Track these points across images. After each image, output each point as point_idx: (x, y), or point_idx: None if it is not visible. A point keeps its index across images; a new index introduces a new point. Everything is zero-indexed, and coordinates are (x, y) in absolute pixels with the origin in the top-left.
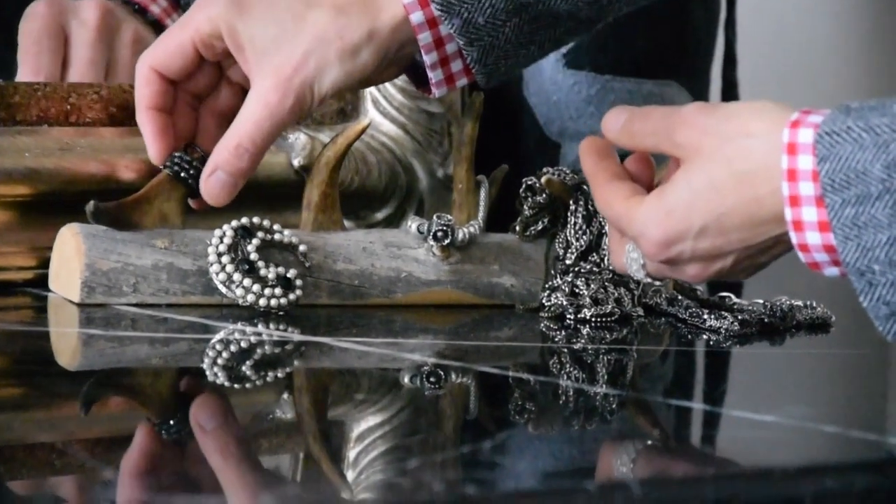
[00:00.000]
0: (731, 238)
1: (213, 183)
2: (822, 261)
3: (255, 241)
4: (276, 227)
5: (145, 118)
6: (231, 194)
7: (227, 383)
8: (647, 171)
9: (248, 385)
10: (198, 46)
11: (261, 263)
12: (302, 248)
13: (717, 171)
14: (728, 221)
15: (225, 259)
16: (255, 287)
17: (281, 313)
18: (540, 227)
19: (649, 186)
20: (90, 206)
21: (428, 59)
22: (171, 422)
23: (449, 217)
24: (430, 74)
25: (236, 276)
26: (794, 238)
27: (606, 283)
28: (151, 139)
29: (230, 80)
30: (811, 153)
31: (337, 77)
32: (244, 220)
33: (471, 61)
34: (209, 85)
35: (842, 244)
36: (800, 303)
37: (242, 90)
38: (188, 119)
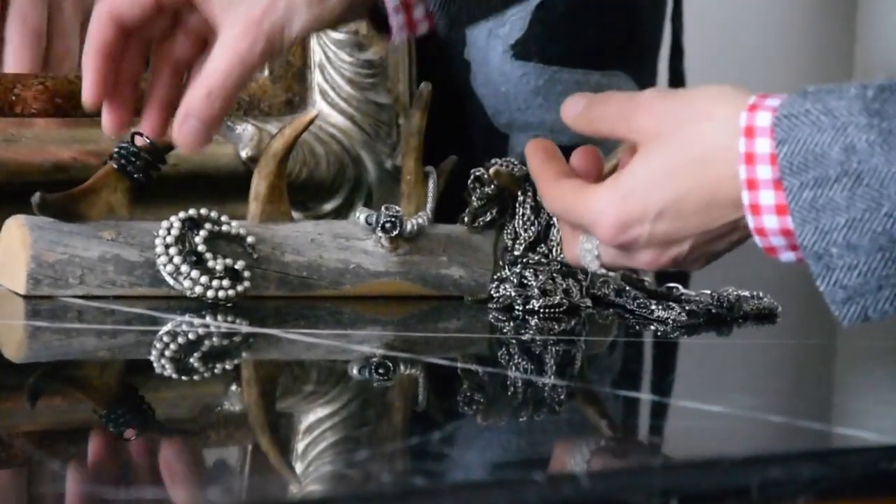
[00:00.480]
0: (689, 223)
1: (186, 131)
2: (778, 245)
3: (202, 233)
4: (223, 218)
5: (91, 63)
6: (204, 141)
7: (174, 375)
8: (595, 165)
9: (195, 377)
10: None
11: (208, 255)
12: (250, 239)
13: (675, 155)
14: (685, 206)
15: (172, 250)
16: (203, 279)
17: (229, 305)
18: (488, 218)
19: (597, 181)
20: (36, 197)
21: (391, 3)
22: (118, 414)
23: (397, 208)
24: (392, 19)
25: (184, 268)
26: (751, 222)
27: (555, 275)
28: (90, 84)
29: (186, 28)
30: (769, 136)
31: (306, 20)
32: (191, 211)
33: (433, 8)
34: (164, 32)
35: (799, 227)
36: (747, 293)
37: (198, 38)
38: (135, 65)
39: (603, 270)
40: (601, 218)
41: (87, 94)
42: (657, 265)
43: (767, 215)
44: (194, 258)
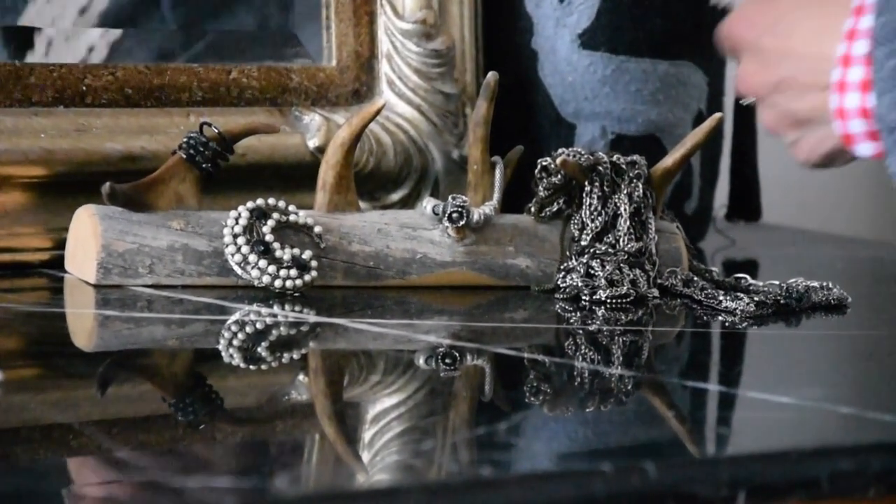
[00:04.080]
0: (791, 48)
1: None
2: (856, 133)
3: (270, 223)
4: (291, 208)
5: None
6: None
7: (242, 364)
8: None
9: (263, 366)
10: None
11: (276, 245)
12: (317, 229)
13: None
14: (795, 30)
15: (240, 240)
16: (271, 268)
17: (296, 295)
18: (555, 208)
19: None
20: (106, 187)
21: None
22: (187, 403)
23: (464, 198)
24: None
25: (252, 258)
26: (833, 101)
27: (622, 265)
28: None
29: None
30: (872, 11)
31: None
32: (259, 201)
33: None
34: None
35: (879, 98)
36: (815, 284)
37: None
38: None
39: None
40: (740, 11)
41: None
42: (746, 86)
43: (851, 93)
44: (262, 248)
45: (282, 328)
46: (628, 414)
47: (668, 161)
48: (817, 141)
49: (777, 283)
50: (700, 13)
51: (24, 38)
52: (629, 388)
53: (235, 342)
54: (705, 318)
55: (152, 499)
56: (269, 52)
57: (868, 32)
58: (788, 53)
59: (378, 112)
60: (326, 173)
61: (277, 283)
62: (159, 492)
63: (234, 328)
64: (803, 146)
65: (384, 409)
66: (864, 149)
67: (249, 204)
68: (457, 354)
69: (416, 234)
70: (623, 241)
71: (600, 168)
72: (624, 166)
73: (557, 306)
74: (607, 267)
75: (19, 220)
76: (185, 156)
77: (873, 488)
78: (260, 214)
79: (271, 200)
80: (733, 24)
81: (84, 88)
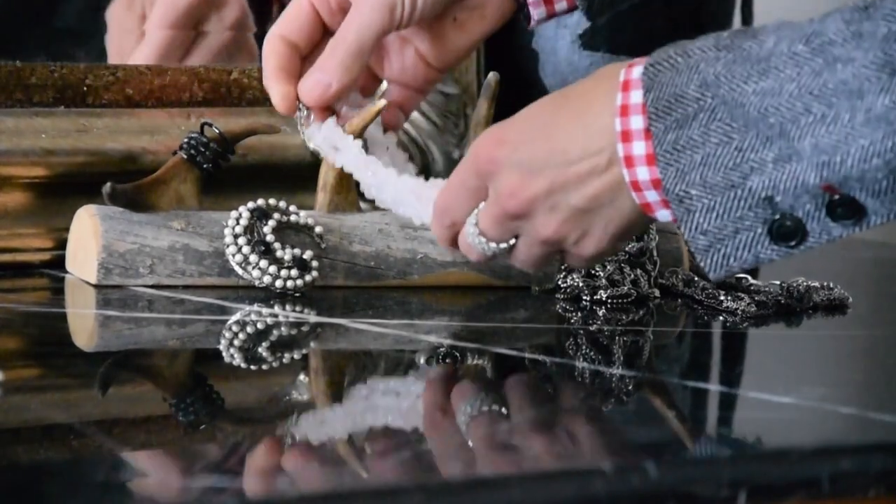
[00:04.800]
0: (555, 146)
1: (310, 83)
2: (653, 201)
3: (270, 223)
4: (291, 208)
5: (273, 80)
6: (322, 96)
7: (243, 364)
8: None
9: (264, 366)
10: (315, 4)
11: (277, 245)
12: (318, 229)
13: (552, 98)
14: (555, 130)
15: (241, 240)
16: (272, 268)
17: (297, 295)
18: None
19: None
20: (107, 187)
21: None
22: (188, 403)
23: None
24: None
25: (252, 258)
26: (626, 175)
27: (623, 265)
28: (279, 102)
29: None
30: (641, 87)
31: None
32: (260, 201)
33: None
34: None
35: (664, 171)
36: (816, 284)
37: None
38: None
39: (486, 246)
40: (478, 141)
41: (280, 109)
42: (517, 202)
43: (640, 167)
44: (263, 248)
45: (283, 328)
46: (629, 414)
47: None
48: (605, 224)
49: (778, 283)
50: (700, 14)
51: None
52: (630, 388)
53: (236, 342)
54: (706, 318)
55: (153, 499)
56: None
57: (641, 108)
58: (553, 153)
59: (379, 112)
60: (327, 173)
61: (278, 283)
62: (160, 492)
63: (234, 328)
64: (590, 240)
65: (384, 409)
66: (663, 215)
67: (250, 204)
68: (458, 355)
69: (416, 234)
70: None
71: None
72: None
73: (558, 306)
74: (608, 267)
75: (20, 221)
76: (185, 156)
77: (874, 488)
78: (261, 215)
79: (272, 201)
80: (480, 150)
81: (85, 89)
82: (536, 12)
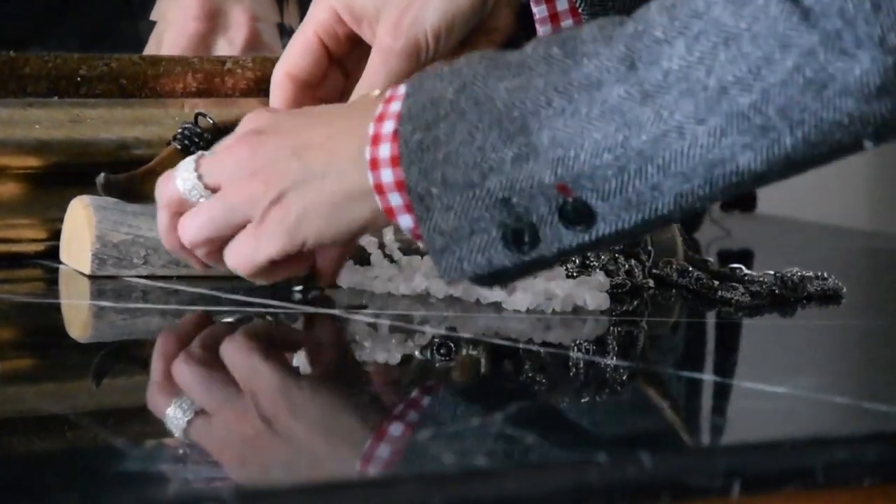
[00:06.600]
0: (312, 136)
1: None
2: (396, 206)
3: None
4: None
5: None
6: None
7: (238, 356)
8: None
9: (258, 357)
10: (321, 37)
11: None
12: None
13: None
14: (320, 122)
15: None
16: None
17: (291, 285)
18: None
19: None
20: (100, 177)
21: None
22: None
23: None
24: (535, 9)
25: None
26: (370, 178)
27: (617, 255)
28: None
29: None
30: (402, 97)
31: (440, 10)
32: None
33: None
34: (337, 90)
35: (407, 170)
36: (811, 274)
37: None
38: None
39: (186, 181)
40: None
41: None
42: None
43: (384, 169)
44: None
45: (277, 318)
46: (623, 404)
47: None
48: (340, 202)
49: (772, 273)
50: None
51: None
52: (624, 378)
53: (230, 333)
54: (700, 308)
55: (148, 490)
56: None
57: (396, 115)
58: (311, 135)
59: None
60: None
61: None
62: (156, 483)
63: (229, 319)
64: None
65: (379, 399)
66: (405, 220)
67: None
68: (452, 345)
69: None
70: None
71: None
72: None
73: None
74: (602, 257)
75: (14, 211)
76: (179, 146)
77: (868, 478)
78: None
79: None
80: (215, 160)
81: (79, 79)
82: (543, 29)
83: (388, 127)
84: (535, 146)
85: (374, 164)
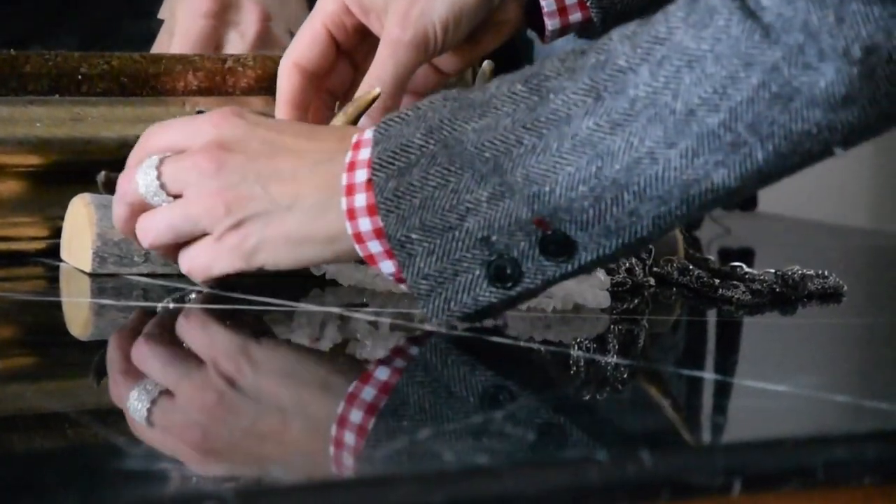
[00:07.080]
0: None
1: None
2: (376, 252)
3: None
4: None
5: (281, 113)
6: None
7: (237, 353)
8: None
9: (257, 355)
10: (329, 28)
11: None
12: None
13: (301, 129)
14: (285, 132)
15: None
16: None
17: (291, 283)
18: None
19: None
20: (101, 175)
21: None
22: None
23: None
24: (543, 3)
25: None
26: (349, 228)
27: None
28: None
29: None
30: (371, 144)
31: (446, 2)
32: None
33: None
34: (345, 82)
35: (385, 218)
36: (812, 272)
37: None
38: (322, 118)
39: (146, 179)
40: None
41: None
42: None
43: (362, 218)
44: None
45: (275, 316)
46: (624, 402)
47: None
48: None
49: (773, 271)
50: None
51: None
52: (625, 376)
53: (230, 330)
54: (701, 306)
55: (148, 488)
56: None
57: (367, 163)
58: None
59: (374, 100)
60: None
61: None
62: (157, 481)
63: (228, 316)
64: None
65: (378, 397)
66: (386, 266)
67: None
68: (452, 344)
69: None
70: None
71: None
72: None
73: None
74: None
75: (15, 209)
76: None
77: (869, 477)
78: None
79: None
80: (179, 167)
81: (80, 77)
82: (551, 23)
83: (361, 176)
84: (510, 184)
85: (352, 214)
